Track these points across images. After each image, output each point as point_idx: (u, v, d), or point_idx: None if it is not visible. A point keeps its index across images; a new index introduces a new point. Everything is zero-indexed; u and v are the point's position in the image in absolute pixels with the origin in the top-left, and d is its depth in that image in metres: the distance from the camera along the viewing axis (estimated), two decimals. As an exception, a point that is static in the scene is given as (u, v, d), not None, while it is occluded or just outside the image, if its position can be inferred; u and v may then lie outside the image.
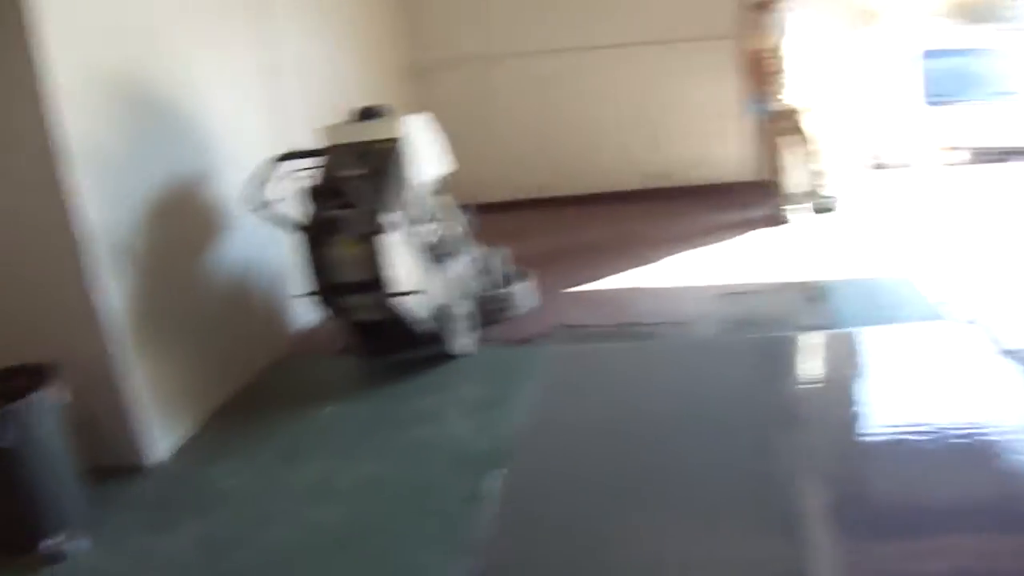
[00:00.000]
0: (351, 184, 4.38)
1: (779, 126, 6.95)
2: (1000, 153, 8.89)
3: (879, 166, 8.45)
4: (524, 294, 5.47)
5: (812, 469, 3.52)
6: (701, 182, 7.90)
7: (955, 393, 3.99)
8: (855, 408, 4.03)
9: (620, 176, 7.93)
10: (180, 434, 4.12)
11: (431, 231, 4.79)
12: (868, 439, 3.71)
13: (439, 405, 4.32)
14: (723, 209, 7.28)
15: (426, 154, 4.77)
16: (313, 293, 4.52)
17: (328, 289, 4.49)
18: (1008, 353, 4.23)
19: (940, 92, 9.78)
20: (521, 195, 7.70)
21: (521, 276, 5.54)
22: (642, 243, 6.52)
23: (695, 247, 6.44)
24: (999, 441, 3.53)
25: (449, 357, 4.77)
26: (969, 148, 9.03)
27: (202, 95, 4.60)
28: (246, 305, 4.88)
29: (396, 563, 3.09)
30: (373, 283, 4.40)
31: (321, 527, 3.35)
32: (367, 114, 4.74)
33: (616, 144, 7.93)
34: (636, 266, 6.09)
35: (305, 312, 5.31)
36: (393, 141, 4.55)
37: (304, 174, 4.55)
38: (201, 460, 3.97)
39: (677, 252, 6.33)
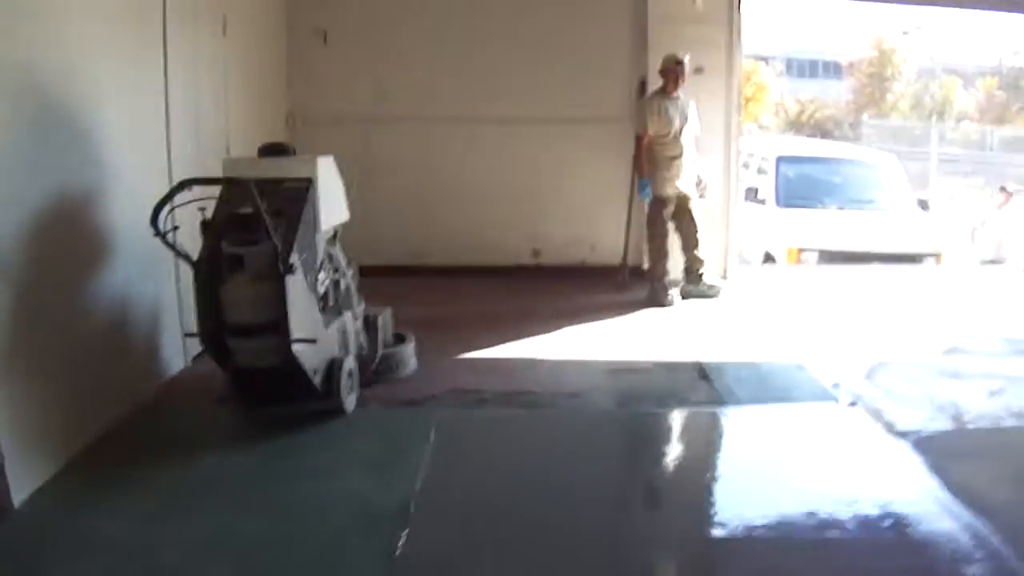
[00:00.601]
0: (256, 220, 4.10)
1: (669, 211, 7.02)
2: (849, 256, 9.31)
3: (744, 261, 8.67)
4: (408, 356, 5.27)
5: (691, 555, 3.47)
6: (580, 263, 7.92)
7: (848, 474, 4.07)
8: (742, 489, 4.00)
9: (497, 251, 7.87)
10: (39, 477, 3.66)
11: (324, 280, 4.56)
12: (754, 523, 3.59)
13: (332, 461, 4.08)
14: (604, 290, 7.29)
15: (331, 199, 4.60)
16: (200, 333, 4.24)
17: (218, 330, 4.22)
18: (897, 434, 4.40)
19: (795, 196, 10.25)
20: (393, 261, 7.47)
21: (403, 338, 5.34)
22: (527, 317, 6.44)
23: (582, 323, 6.40)
24: (894, 520, 3.56)
25: (334, 414, 4.50)
26: (821, 250, 9.41)
27: (98, 108, 4.26)
28: (120, 341, 4.49)
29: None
30: (268, 326, 4.16)
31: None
32: (274, 150, 4.53)
33: (495, 219, 7.87)
34: (523, 338, 6.00)
35: (178, 357, 5.03)
36: (306, 181, 4.36)
37: (204, 205, 4.27)
38: (69, 506, 3.55)
39: (564, 327, 6.27)
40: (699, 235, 7.07)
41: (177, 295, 4.97)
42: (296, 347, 4.16)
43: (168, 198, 4.14)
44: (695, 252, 7.08)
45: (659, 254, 7.06)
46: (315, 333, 4.31)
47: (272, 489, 3.82)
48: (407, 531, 3.41)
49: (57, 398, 3.84)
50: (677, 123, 6.94)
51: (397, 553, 3.27)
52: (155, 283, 4.76)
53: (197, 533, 3.40)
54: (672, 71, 6.93)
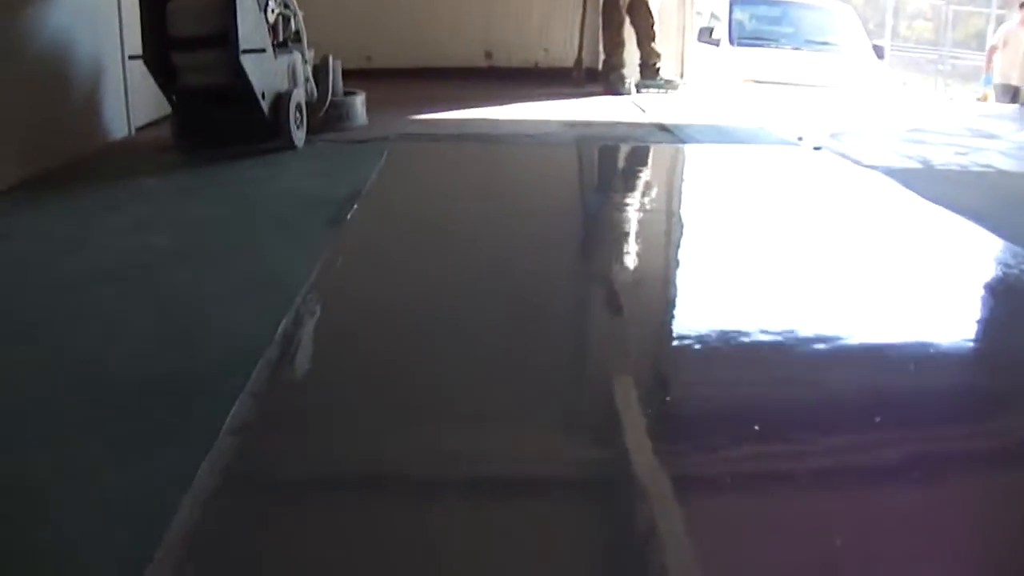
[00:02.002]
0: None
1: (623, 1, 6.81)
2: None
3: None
4: (358, 106, 5.10)
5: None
6: (533, 65, 7.73)
7: (822, 188, 4.06)
8: (714, 204, 3.86)
9: (448, 53, 7.64)
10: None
11: (274, 11, 4.35)
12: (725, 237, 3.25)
13: (279, 173, 3.92)
14: (560, 87, 7.07)
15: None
16: (145, 52, 4.07)
17: (164, 48, 4.04)
18: (866, 167, 4.30)
19: (749, 36, 10.08)
20: (348, 65, 7.20)
21: (353, 92, 5.16)
22: (481, 99, 6.22)
23: (539, 101, 6.25)
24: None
25: (283, 149, 4.32)
26: (776, 83, 9.23)
27: None
28: (57, 92, 4.13)
29: (241, 267, 2.67)
30: (216, 38, 3.97)
31: (151, 248, 2.85)
32: None
33: (446, 21, 7.62)
34: (478, 107, 5.84)
35: (121, 123, 4.74)
36: None
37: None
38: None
39: (520, 103, 6.13)
40: (655, 28, 6.88)
41: (121, 54, 4.65)
42: (244, 60, 3.98)
43: None
44: (651, 45, 6.90)
45: (615, 43, 6.89)
46: (263, 48, 4.12)
47: (213, 191, 3.63)
48: (355, 206, 3.28)
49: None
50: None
51: (345, 219, 3.14)
52: (97, 37, 4.43)
53: (131, 219, 3.19)
54: None
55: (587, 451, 1.62)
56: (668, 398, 1.86)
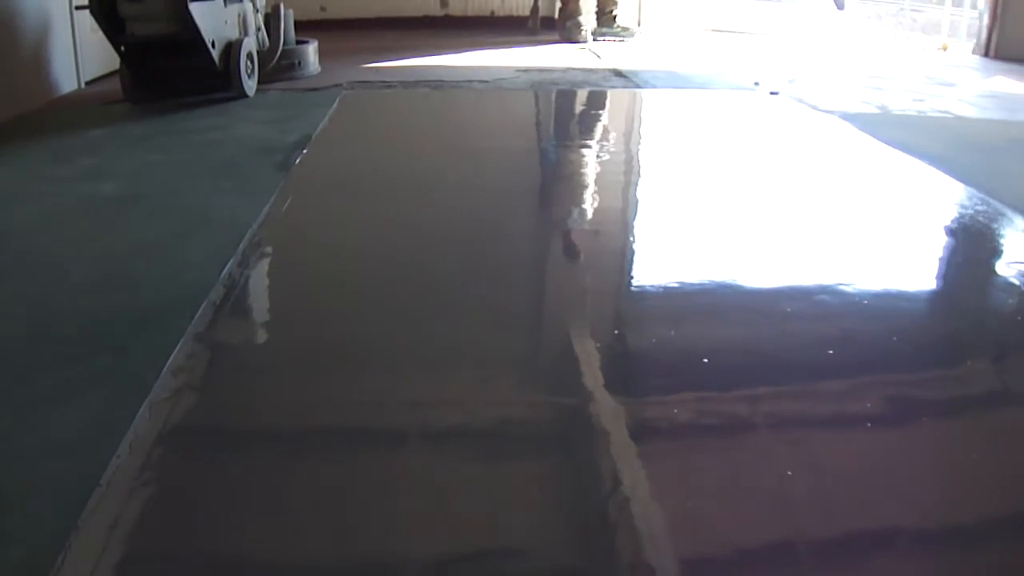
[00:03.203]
0: None
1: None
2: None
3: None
4: (310, 55, 5.04)
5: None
6: (489, 13, 7.67)
7: (778, 129, 3.99)
8: (674, 144, 3.82)
9: (407, 1, 7.58)
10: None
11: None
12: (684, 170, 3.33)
13: (227, 121, 3.85)
14: (516, 35, 7.00)
15: None
16: (91, 4, 3.93)
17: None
18: (824, 111, 4.27)
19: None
20: (302, 16, 7.08)
21: (305, 41, 5.08)
22: (436, 47, 6.15)
23: (494, 49, 6.17)
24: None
25: (234, 98, 4.26)
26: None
27: None
28: (4, 38, 3.99)
29: (188, 212, 2.61)
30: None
31: (98, 195, 2.79)
32: None
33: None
34: (433, 55, 5.76)
35: (70, 77, 4.62)
36: None
37: None
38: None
39: (475, 50, 6.06)
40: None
41: (68, 5, 4.51)
42: (193, 8, 3.89)
43: None
44: (609, -8, 6.83)
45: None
46: (212, -3, 4.04)
47: (162, 140, 3.56)
48: (305, 152, 3.26)
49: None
50: None
51: (294, 164, 3.10)
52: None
53: (78, 169, 3.12)
54: None
55: (545, 395, 1.59)
56: (625, 341, 1.83)
